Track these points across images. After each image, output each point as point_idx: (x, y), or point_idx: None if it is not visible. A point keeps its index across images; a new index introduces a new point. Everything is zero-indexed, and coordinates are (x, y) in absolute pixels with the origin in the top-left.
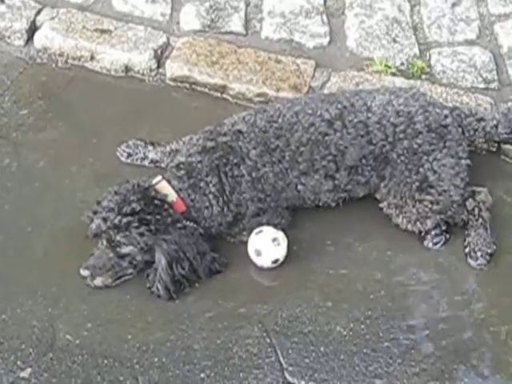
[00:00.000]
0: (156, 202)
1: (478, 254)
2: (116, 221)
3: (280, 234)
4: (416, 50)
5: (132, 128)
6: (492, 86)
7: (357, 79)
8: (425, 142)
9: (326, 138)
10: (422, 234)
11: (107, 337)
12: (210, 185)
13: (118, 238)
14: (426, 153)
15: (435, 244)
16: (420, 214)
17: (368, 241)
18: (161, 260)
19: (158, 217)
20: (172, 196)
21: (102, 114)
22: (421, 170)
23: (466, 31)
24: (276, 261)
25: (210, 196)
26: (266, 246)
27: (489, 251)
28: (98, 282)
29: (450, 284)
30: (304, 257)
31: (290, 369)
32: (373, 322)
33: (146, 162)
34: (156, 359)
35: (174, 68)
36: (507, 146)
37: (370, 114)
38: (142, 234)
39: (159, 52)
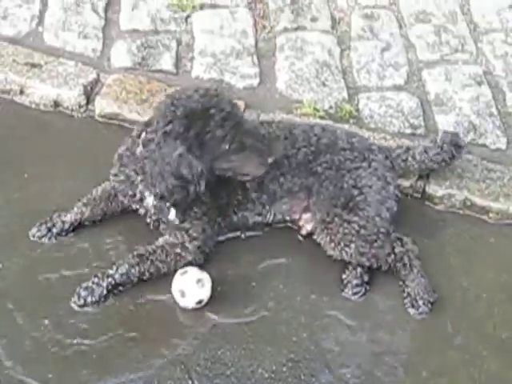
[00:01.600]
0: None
1: (420, 302)
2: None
3: (205, 275)
4: (345, 94)
5: (59, 164)
6: (418, 131)
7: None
8: (347, 159)
9: (255, 130)
10: (344, 282)
11: (28, 376)
12: None
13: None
14: (348, 170)
15: (354, 294)
16: (346, 236)
17: (293, 283)
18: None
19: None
20: None
21: (30, 150)
22: (344, 185)
23: (395, 76)
24: (200, 302)
25: None
26: (191, 287)
27: (431, 300)
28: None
29: (372, 327)
30: (228, 298)
31: None
32: (295, 364)
33: (69, 229)
34: None
35: (103, 105)
36: (431, 191)
37: (296, 126)
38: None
39: (89, 88)
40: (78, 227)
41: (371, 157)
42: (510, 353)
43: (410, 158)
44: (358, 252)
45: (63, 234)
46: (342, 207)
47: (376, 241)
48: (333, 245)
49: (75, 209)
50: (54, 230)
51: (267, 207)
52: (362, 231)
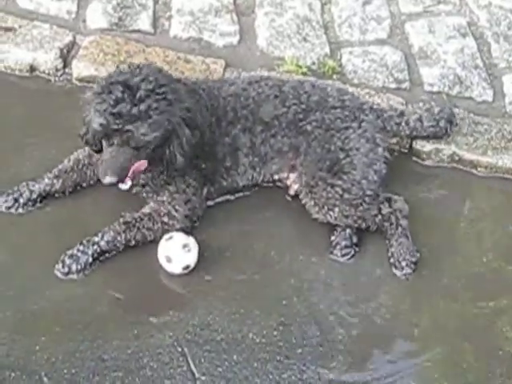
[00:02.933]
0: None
1: (403, 263)
2: (133, 111)
3: (191, 240)
4: (327, 50)
5: (36, 131)
6: (403, 86)
7: None
8: (337, 118)
9: (245, 92)
10: (332, 244)
11: (14, 348)
12: None
13: (142, 130)
14: (338, 130)
15: (343, 256)
16: (329, 200)
17: (281, 245)
18: (184, 129)
19: (173, 85)
20: None
21: (5, 116)
22: (332, 147)
23: (377, 30)
24: (187, 267)
25: None
26: (177, 252)
27: (413, 260)
28: (127, 185)
29: (358, 285)
30: (216, 263)
31: (203, 378)
32: (286, 328)
33: (34, 197)
34: (65, 371)
35: (80, 68)
36: (418, 147)
37: (286, 82)
38: (163, 112)
39: (65, 51)
40: (47, 198)
41: (362, 117)
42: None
43: (403, 123)
44: (343, 215)
45: (30, 204)
46: (327, 170)
47: (361, 204)
48: (317, 208)
49: (46, 179)
50: (21, 200)
51: (258, 169)
52: (346, 195)
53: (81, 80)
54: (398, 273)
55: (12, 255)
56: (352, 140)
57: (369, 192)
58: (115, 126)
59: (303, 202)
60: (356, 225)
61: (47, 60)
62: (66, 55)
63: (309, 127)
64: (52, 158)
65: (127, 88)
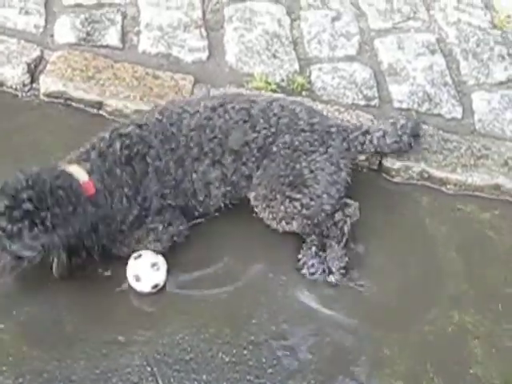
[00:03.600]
0: (60, 191)
1: (333, 269)
2: (8, 228)
3: (160, 259)
4: (296, 66)
5: (2, 147)
6: (372, 103)
7: None
8: (306, 141)
9: (210, 122)
10: (300, 262)
11: None
12: (124, 173)
13: (13, 247)
14: (305, 152)
15: (312, 274)
16: (287, 214)
17: (251, 263)
18: (60, 255)
19: (57, 210)
20: (83, 177)
21: None
22: (297, 166)
23: (347, 46)
24: (156, 286)
25: (124, 184)
26: (145, 271)
27: (341, 265)
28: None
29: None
30: (184, 281)
31: None
32: (256, 347)
33: None
34: None
35: (48, 83)
36: (388, 165)
37: (253, 104)
38: (36, 238)
39: (33, 66)
40: None
41: (329, 142)
42: None
43: (367, 142)
44: (301, 227)
45: None
46: (288, 184)
47: (318, 218)
48: (274, 222)
49: None
50: None
51: (229, 195)
52: (304, 211)
53: (48, 95)
54: (328, 278)
55: None
56: (318, 162)
57: (327, 207)
58: None
59: (260, 215)
60: (311, 232)
61: (14, 75)
62: (34, 70)
63: (275, 148)
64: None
65: (13, 202)
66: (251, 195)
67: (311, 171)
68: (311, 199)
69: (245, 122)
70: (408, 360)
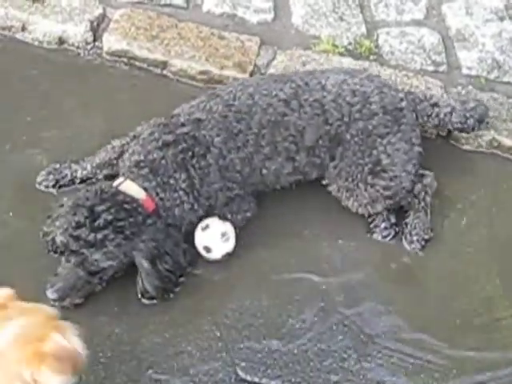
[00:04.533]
0: (126, 205)
1: (414, 238)
2: (90, 238)
3: (228, 227)
4: (363, 29)
5: (64, 107)
6: (441, 69)
7: (304, 58)
8: (380, 124)
9: (285, 118)
10: (371, 226)
11: None
12: (180, 181)
13: (95, 256)
14: (380, 135)
15: (384, 237)
16: (371, 199)
17: (317, 229)
18: (143, 264)
19: (132, 219)
20: (139, 194)
21: (33, 91)
22: (374, 152)
23: (414, 11)
24: (227, 254)
25: (181, 193)
26: (215, 242)
27: (425, 237)
28: (67, 303)
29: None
30: (252, 247)
31: (243, 364)
32: (326, 314)
33: (77, 183)
34: (101, 354)
35: (111, 42)
36: (457, 132)
37: (325, 93)
38: (119, 245)
39: (95, 24)
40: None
41: (401, 119)
42: None
43: (433, 115)
44: (384, 207)
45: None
46: (368, 173)
47: (399, 196)
48: (360, 208)
49: (88, 167)
50: (62, 182)
51: (298, 181)
52: (386, 192)
53: (111, 54)
54: (405, 245)
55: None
56: (393, 143)
57: (406, 184)
58: (74, 247)
59: (343, 203)
60: (395, 208)
61: (77, 33)
62: (97, 28)
63: (349, 136)
64: (86, 133)
65: (91, 214)
66: (332, 188)
67: (388, 155)
68: (391, 180)
69: (318, 115)
70: None
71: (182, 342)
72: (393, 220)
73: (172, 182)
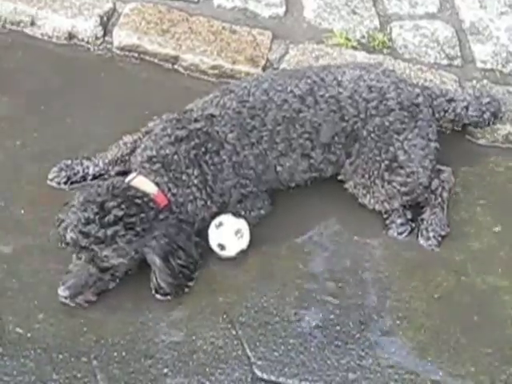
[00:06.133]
0: (137, 200)
1: (431, 234)
2: (100, 234)
3: (242, 224)
4: (376, 23)
5: (75, 101)
6: (455, 62)
7: (316, 52)
8: (396, 120)
9: (301, 114)
10: (387, 222)
11: (61, 329)
12: (192, 177)
13: (105, 252)
14: (397, 131)
15: (400, 234)
16: (388, 195)
17: (331, 227)
18: (155, 261)
19: (143, 215)
20: (151, 190)
21: (43, 86)
22: (391, 148)
23: (427, 4)
24: (240, 252)
25: (194, 189)
26: (230, 239)
27: (442, 233)
28: (80, 300)
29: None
30: (268, 244)
31: (259, 363)
32: (343, 311)
33: (89, 179)
34: (115, 353)
35: (121, 36)
36: (472, 126)
37: (341, 89)
38: (130, 242)
39: (105, 18)
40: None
41: (418, 115)
42: None
43: (450, 110)
44: (400, 203)
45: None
46: (385, 169)
47: (416, 192)
48: (377, 205)
49: (100, 163)
50: (74, 179)
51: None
52: (403, 189)
53: (122, 49)
54: (421, 241)
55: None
56: (410, 140)
57: (423, 180)
58: (83, 244)
59: (360, 200)
60: (412, 204)
61: (87, 27)
62: (106, 23)
63: (365, 132)
64: (96, 128)
65: (101, 210)
66: (349, 185)
67: (405, 151)
68: (408, 176)
69: (334, 112)
70: None
71: (196, 340)
72: (409, 216)
73: (184, 177)
